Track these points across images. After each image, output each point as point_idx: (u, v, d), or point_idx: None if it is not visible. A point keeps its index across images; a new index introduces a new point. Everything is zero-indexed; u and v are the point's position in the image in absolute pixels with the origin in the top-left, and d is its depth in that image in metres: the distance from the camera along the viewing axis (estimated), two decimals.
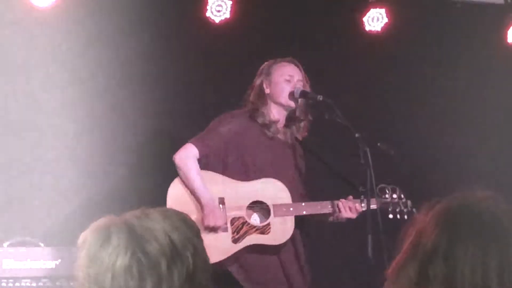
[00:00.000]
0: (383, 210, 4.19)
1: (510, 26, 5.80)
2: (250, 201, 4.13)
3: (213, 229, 4.02)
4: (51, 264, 4.23)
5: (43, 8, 5.07)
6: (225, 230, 4.05)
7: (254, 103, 4.24)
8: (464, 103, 5.69)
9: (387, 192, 4.25)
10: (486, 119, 5.75)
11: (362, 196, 4.07)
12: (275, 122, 4.23)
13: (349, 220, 4.20)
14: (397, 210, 4.24)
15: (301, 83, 4.24)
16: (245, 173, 4.15)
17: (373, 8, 5.69)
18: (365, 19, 5.71)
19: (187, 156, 4.11)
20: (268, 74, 4.26)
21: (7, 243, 4.37)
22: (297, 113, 4.27)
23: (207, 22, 5.43)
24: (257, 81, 4.28)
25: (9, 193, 4.94)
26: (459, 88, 5.71)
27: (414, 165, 5.48)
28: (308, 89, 4.26)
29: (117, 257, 1.66)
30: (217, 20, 5.44)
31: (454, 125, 5.70)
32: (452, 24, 5.66)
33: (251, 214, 4.14)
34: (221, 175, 4.15)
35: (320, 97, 4.15)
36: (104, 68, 5.11)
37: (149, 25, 5.26)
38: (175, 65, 5.35)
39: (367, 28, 5.71)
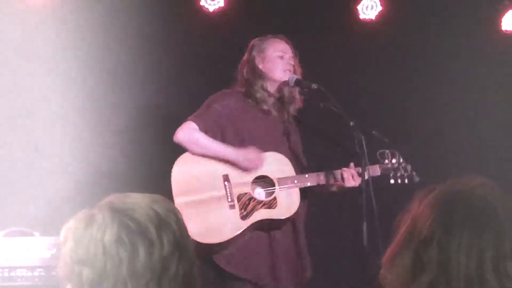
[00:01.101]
0: (385, 176, 4.22)
1: (505, 14, 5.79)
2: (255, 176, 4.14)
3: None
4: (46, 253, 4.23)
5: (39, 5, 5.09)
6: (233, 207, 4.07)
7: (248, 79, 4.25)
8: (459, 90, 5.69)
9: (387, 156, 4.26)
10: (481, 107, 5.75)
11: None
12: (271, 95, 4.25)
13: (343, 206, 4.21)
14: (398, 174, 4.26)
15: (292, 60, 4.26)
16: (243, 147, 4.15)
17: None
18: (359, 7, 5.70)
19: (192, 131, 4.13)
20: (261, 50, 4.27)
21: (2, 233, 4.36)
22: (289, 91, 4.27)
23: (201, 11, 5.42)
24: (249, 58, 4.27)
25: (4, 183, 4.93)
26: (453, 75, 5.70)
27: (408, 152, 5.48)
28: (298, 67, 4.28)
29: (105, 230, 1.65)
30: (211, 9, 5.43)
31: (448, 112, 5.70)
32: (446, 12, 5.66)
33: (257, 190, 4.16)
34: None
35: (315, 86, 4.15)
36: (97, 56, 5.09)
37: (143, 14, 5.24)
38: (169, 54, 5.35)
39: (361, 16, 5.71)
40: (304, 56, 4.42)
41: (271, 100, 4.24)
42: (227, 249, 4.05)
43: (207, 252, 3.98)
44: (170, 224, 1.69)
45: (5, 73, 4.99)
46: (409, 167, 4.28)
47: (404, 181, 4.25)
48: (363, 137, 3.98)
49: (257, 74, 4.24)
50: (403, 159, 4.28)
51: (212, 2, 5.41)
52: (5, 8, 4.97)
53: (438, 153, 5.59)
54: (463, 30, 5.66)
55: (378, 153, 4.19)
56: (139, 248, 1.64)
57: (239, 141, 4.16)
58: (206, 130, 4.13)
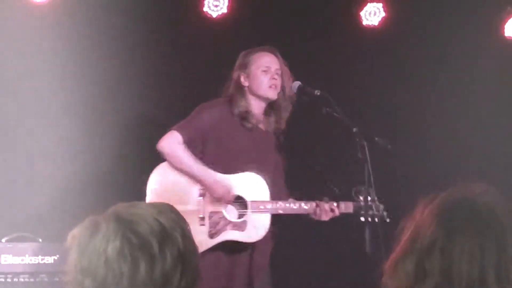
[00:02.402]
0: (357, 214, 4.16)
1: (508, 20, 5.80)
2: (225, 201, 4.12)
3: (219, 200, 4.06)
4: (50, 259, 4.24)
5: (39, 2, 5.09)
6: (203, 223, 4.04)
7: (233, 95, 4.22)
8: (461, 97, 5.69)
9: (362, 193, 4.19)
10: (484, 113, 5.75)
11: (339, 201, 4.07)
12: (254, 114, 4.21)
13: (346, 214, 4.19)
14: (370, 213, 4.14)
15: (279, 72, 4.21)
16: (221, 164, 4.12)
17: (370, 2, 5.69)
18: (362, 13, 5.71)
19: (175, 142, 4.09)
20: (245, 67, 4.23)
21: (6, 238, 4.37)
22: (280, 104, 4.24)
23: (205, 17, 5.43)
24: (235, 74, 4.24)
25: (7, 189, 4.93)
26: (456, 82, 5.70)
27: (411, 159, 5.48)
28: (287, 77, 4.23)
29: (108, 242, 1.66)
30: (214, 15, 5.44)
31: (451, 118, 5.70)
32: (449, 18, 5.66)
33: (230, 209, 4.13)
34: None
35: (317, 92, 4.15)
36: (98, 62, 5.10)
37: (146, 19, 5.26)
38: (172, 60, 5.35)
39: (365, 22, 5.71)
40: (307, 62, 4.44)
41: (254, 119, 4.21)
42: None
43: None
44: (175, 237, 1.69)
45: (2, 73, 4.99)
46: (381, 207, 4.20)
47: (374, 219, 4.16)
48: (365, 143, 3.97)
49: (242, 91, 4.21)
50: (377, 197, 4.21)
51: (215, 8, 5.43)
52: (4, 8, 4.97)
53: (442, 159, 5.58)
54: (466, 37, 5.66)
55: (353, 190, 4.14)
56: (140, 263, 1.65)
57: (219, 158, 4.12)
58: (190, 141, 4.11)
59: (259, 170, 4.14)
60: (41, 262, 4.23)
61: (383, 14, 5.70)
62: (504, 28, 5.81)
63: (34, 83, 5.01)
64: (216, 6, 5.43)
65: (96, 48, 5.11)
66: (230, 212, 4.13)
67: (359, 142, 3.97)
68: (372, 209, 4.13)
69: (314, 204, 4.14)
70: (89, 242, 1.68)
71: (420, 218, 1.68)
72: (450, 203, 1.68)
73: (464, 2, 5.68)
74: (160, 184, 4.10)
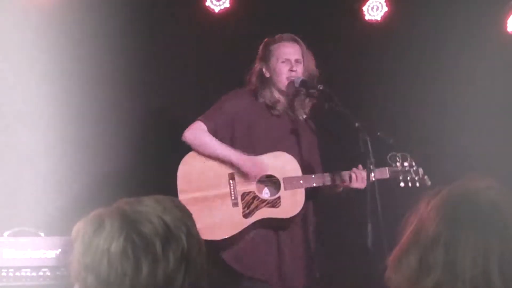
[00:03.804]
0: (394, 179, 4.20)
1: (510, 15, 5.79)
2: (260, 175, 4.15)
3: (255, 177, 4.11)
4: (52, 253, 4.23)
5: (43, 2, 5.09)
6: (236, 204, 4.07)
7: (258, 87, 4.30)
8: (464, 92, 5.68)
9: (398, 160, 4.25)
10: (486, 109, 5.74)
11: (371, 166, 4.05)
12: (280, 102, 4.27)
13: (348, 208, 4.21)
14: (408, 178, 4.24)
15: (300, 61, 4.28)
16: (252, 148, 4.18)
17: None
18: (364, 8, 5.71)
19: (199, 130, 4.17)
20: (266, 58, 4.30)
21: (7, 232, 4.36)
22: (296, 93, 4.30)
23: (207, 12, 5.43)
24: (257, 66, 4.32)
25: (9, 182, 4.93)
26: (459, 77, 5.70)
27: (413, 154, 5.47)
28: (311, 65, 4.30)
29: (111, 241, 1.66)
30: (216, 9, 5.44)
31: (453, 114, 5.69)
32: (452, 13, 5.65)
33: (262, 188, 4.17)
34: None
35: (320, 87, 4.17)
36: (102, 58, 5.09)
37: (149, 14, 5.26)
38: (175, 55, 5.35)
39: (367, 17, 5.71)
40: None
41: (280, 106, 4.27)
42: (237, 248, 4.07)
43: (214, 249, 3.99)
44: (179, 237, 1.70)
45: (7, 73, 4.99)
46: (420, 171, 4.27)
47: (415, 184, 4.23)
48: (368, 138, 3.98)
49: (265, 82, 4.28)
50: (415, 162, 4.26)
51: (217, 3, 5.42)
52: (5, 7, 4.96)
53: (444, 155, 5.58)
54: (469, 32, 5.65)
55: (388, 156, 4.18)
56: (143, 263, 1.65)
57: (248, 142, 4.17)
58: (215, 130, 4.17)
59: (290, 152, 4.20)
60: (43, 256, 4.22)
61: (385, 9, 5.69)
62: (506, 23, 5.80)
63: (46, 78, 5.01)
64: (218, 0, 5.42)
65: (99, 45, 5.11)
66: (263, 191, 4.17)
67: (362, 137, 3.98)
68: (411, 173, 4.19)
69: (348, 172, 4.18)
70: (92, 239, 1.68)
71: (424, 213, 1.68)
72: (454, 198, 1.68)
73: None
74: (189, 172, 4.16)
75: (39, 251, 4.24)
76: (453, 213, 1.65)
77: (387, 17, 5.69)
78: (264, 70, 4.29)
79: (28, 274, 4.21)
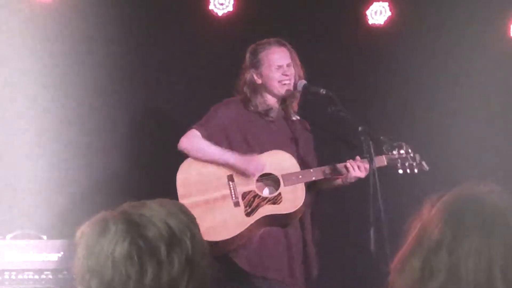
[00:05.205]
0: (392, 166, 4.20)
1: None
2: (259, 174, 4.17)
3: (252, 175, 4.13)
4: (54, 256, 4.24)
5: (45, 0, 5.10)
6: (237, 204, 4.09)
7: (249, 95, 4.28)
8: (467, 96, 5.67)
9: (394, 148, 4.24)
10: (489, 113, 5.74)
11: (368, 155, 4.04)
12: (271, 108, 4.28)
13: (351, 210, 4.21)
14: (406, 164, 4.23)
15: (291, 65, 4.26)
16: (250, 152, 4.19)
17: (376, 1, 5.68)
18: (368, 12, 5.70)
19: (194, 137, 4.18)
20: (256, 65, 4.28)
21: (10, 235, 4.37)
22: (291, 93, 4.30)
23: (210, 15, 5.43)
24: (247, 75, 4.29)
25: (12, 185, 4.93)
26: (462, 81, 5.69)
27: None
28: (300, 69, 4.28)
29: (116, 245, 1.66)
30: (220, 13, 5.44)
31: (456, 117, 5.69)
32: (455, 18, 5.65)
33: (262, 187, 4.19)
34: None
35: (323, 91, 4.17)
36: (103, 60, 5.10)
37: (152, 18, 5.27)
38: (178, 58, 5.35)
39: (370, 21, 5.71)
40: (312, 61, 4.43)
41: (273, 112, 4.29)
42: (246, 249, 4.08)
43: (219, 251, 4.00)
44: (183, 241, 1.70)
45: (7, 74, 4.99)
46: (418, 157, 4.25)
47: (414, 170, 4.22)
48: (371, 142, 3.98)
49: (257, 89, 4.28)
50: (411, 149, 4.25)
51: (221, 7, 5.43)
52: (5, 7, 4.97)
53: (448, 158, 5.57)
54: (472, 36, 5.65)
55: (384, 147, 4.18)
56: (147, 267, 1.65)
57: (246, 147, 4.19)
58: (210, 137, 4.17)
59: (288, 152, 4.22)
60: (45, 259, 4.23)
61: (389, 13, 5.69)
62: (509, 28, 5.80)
63: (44, 79, 5.01)
64: (222, 4, 5.43)
65: (101, 48, 5.11)
66: (263, 190, 4.18)
67: (365, 141, 3.98)
68: (408, 160, 4.18)
69: (344, 164, 4.17)
70: (96, 243, 1.68)
71: (428, 217, 1.68)
72: (458, 202, 1.68)
73: (469, 2, 5.66)
74: (188, 178, 4.17)
75: (41, 254, 4.24)
76: (457, 217, 1.64)
77: (390, 22, 5.69)
78: (255, 77, 4.27)
79: (31, 277, 4.21)
